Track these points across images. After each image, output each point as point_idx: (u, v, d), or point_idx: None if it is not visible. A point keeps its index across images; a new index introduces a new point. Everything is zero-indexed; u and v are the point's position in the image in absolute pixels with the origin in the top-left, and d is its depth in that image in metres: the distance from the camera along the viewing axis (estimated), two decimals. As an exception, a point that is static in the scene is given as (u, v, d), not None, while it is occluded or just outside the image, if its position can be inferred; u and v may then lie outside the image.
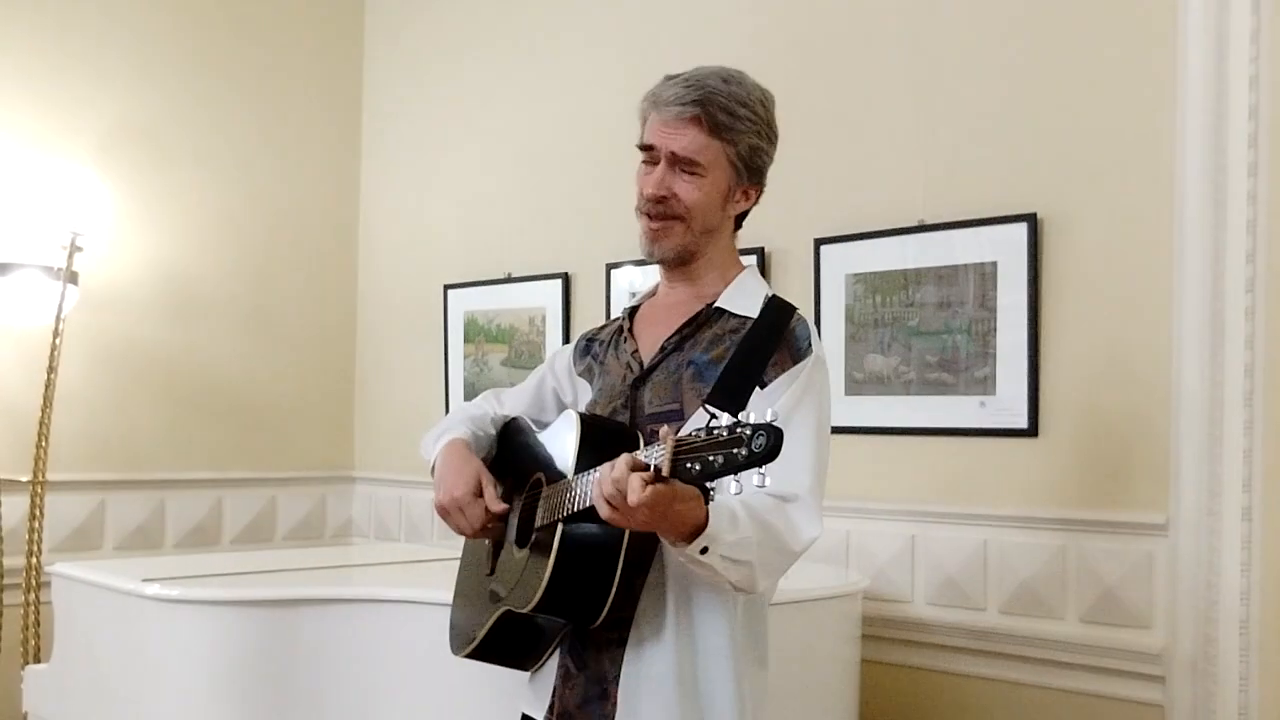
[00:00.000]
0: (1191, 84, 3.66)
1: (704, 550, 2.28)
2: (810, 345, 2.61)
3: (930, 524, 4.22)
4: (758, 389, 2.53)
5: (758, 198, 2.77)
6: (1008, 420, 4.03)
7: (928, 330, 4.20)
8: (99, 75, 5.69)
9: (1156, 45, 3.76)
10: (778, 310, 2.66)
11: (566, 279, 5.43)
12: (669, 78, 2.69)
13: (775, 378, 2.56)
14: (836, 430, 4.20)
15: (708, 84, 2.64)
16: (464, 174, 6.00)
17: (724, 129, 2.64)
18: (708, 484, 2.12)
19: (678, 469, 2.05)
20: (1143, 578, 3.75)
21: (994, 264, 4.06)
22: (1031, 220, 3.98)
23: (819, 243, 4.48)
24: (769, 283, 2.81)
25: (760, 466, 1.96)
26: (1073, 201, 3.93)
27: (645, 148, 2.71)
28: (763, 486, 1.99)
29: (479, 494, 2.73)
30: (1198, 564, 3.60)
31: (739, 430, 1.98)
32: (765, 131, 2.70)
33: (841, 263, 4.43)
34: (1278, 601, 3.52)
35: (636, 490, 2.10)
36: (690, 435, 2.05)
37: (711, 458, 2.00)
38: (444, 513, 2.75)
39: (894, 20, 4.38)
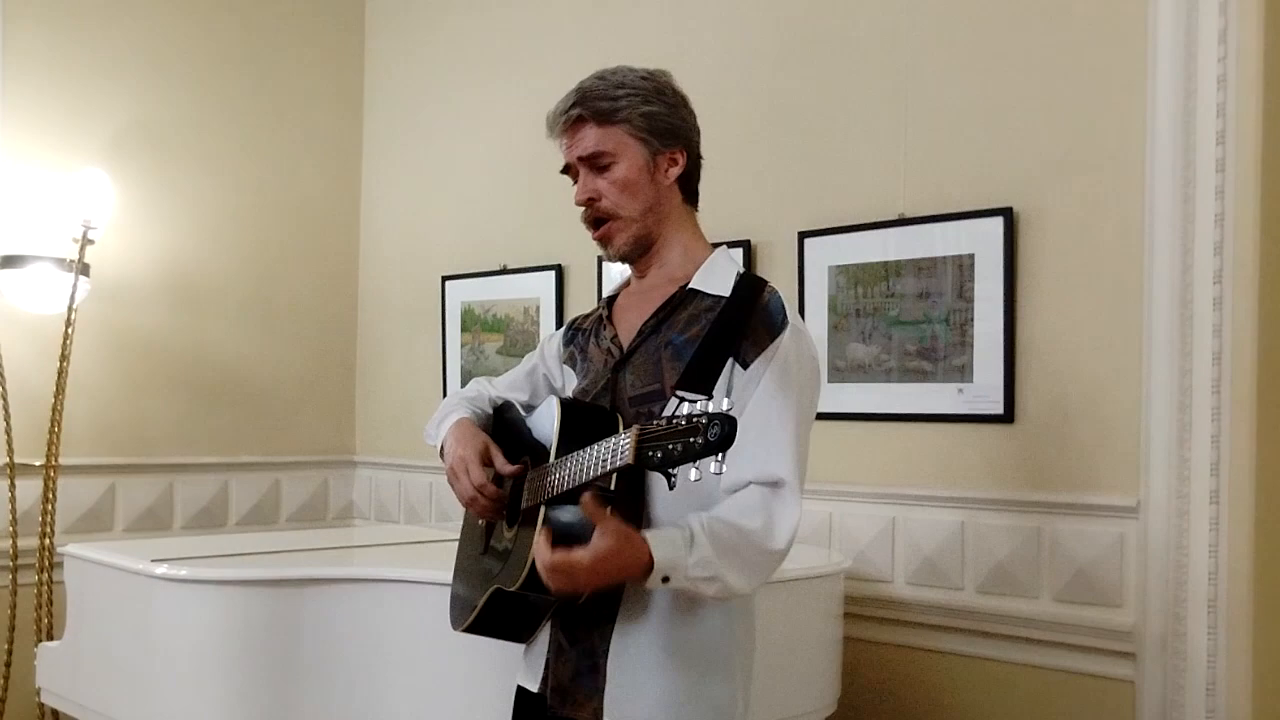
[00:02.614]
0: (1162, 83, 3.65)
1: (666, 579, 2.33)
2: (785, 318, 2.59)
3: (910, 506, 4.20)
4: (740, 369, 2.52)
5: (688, 159, 2.74)
6: (984, 407, 4.01)
7: (907, 320, 4.19)
8: (110, 77, 5.67)
9: (1128, 46, 3.75)
10: (749, 286, 2.63)
11: (560, 270, 5.42)
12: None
13: (755, 357, 2.54)
14: (821, 416, 4.23)
15: (583, 86, 2.70)
16: (461, 170, 5.98)
17: (610, 114, 2.65)
18: (670, 471, 2.12)
19: (641, 457, 2.08)
20: (1114, 558, 3.74)
21: (971, 256, 4.04)
22: (1007, 214, 3.96)
23: (803, 235, 4.46)
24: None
25: (716, 454, 2.00)
26: (1047, 196, 3.92)
27: (564, 170, 2.76)
28: (720, 474, 2.03)
29: (486, 460, 2.75)
30: (1167, 545, 3.59)
31: (696, 420, 2.00)
32: (655, 97, 2.68)
33: (824, 255, 4.41)
34: (1244, 581, 3.51)
35: (543, 556, 2.28)
36: (654, 425, 2.08)
37: (671, 446, 2.03)
38: (452, 475, 2.77)
39: (875, 23, 4.36)
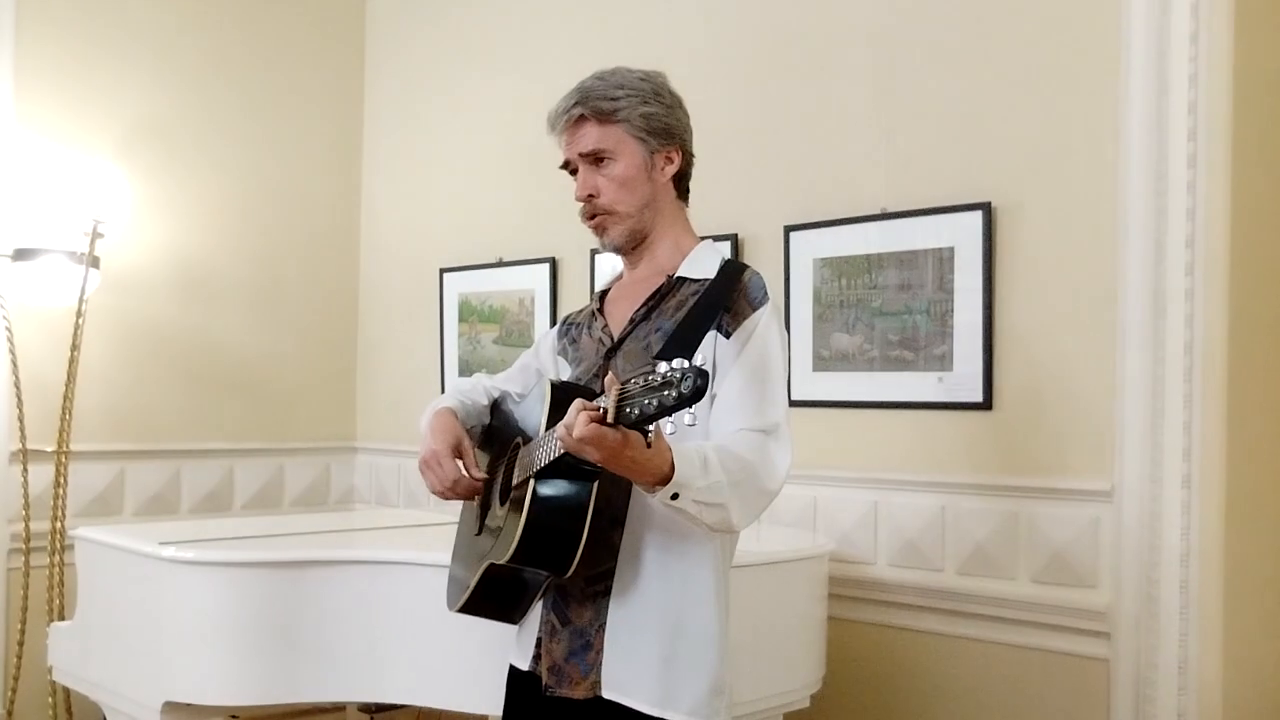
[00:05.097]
0: (1135, 82, 3.64)
1: (675, 496, 2.30)
2: (765, 294, 2.64)
3: (892, 491, 4.19)
4: (723, 339, 2.56)
5: (683, 158, 2.77)
6: (964, 394, 4.00)
7: (889, 311, 4.17)
8: (119, 76, 5.64)
9: (1102, 47, 3.74)
10: (732, 268, 2.68)
11: (554, 263, 5.40)
12: None
13: (737, 326, 2.58)
14: (805, 403, 4.26)
15: (584, 86, 2.71)
16: (458, 165, 5.96)
17: (610, 113, 2.68)
18: (646, 427, 2.11)
19: (621, 415, 2.07)
20: (1089, 541, 3.73)
21: (951, 249, 4.03)
22: (986, 209, 3.95)
23: (789, 229, 4.45)
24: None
25: (689, 407, 1.99)
26: (1024, 191, 3.90)
27: (564, 166, 2.77)
28: (693, 425, 2.02)
29: (456, 454, 2.78)
30: (1140, 528, 3.58)
31: (669, 374, 1.99)
32: (653, 98, 2.71)
33: (810, 248, 4.39)
34: (1215, 563, 3.51)
35: (581, 424, 2.13)
36: (630, 383, 2.07)
37: (647, 401, 2.02)
38: (423, 466, 2.81)
39: (858, 25, 4.34)
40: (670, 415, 2.01)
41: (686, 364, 1.99)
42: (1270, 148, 3.68)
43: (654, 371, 2.03)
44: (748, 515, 2.48)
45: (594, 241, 2.78)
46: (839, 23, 4.41)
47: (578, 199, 2.73)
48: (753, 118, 4.63)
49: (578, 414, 2.16)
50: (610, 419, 2.09)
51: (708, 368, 2.02)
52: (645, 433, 2.15)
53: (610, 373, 2.33)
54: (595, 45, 5.20)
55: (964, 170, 4.04)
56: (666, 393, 1.99)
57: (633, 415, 2.05)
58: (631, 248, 2.77)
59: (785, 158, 4.54)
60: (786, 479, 2.52)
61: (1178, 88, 3.56)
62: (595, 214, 2.72)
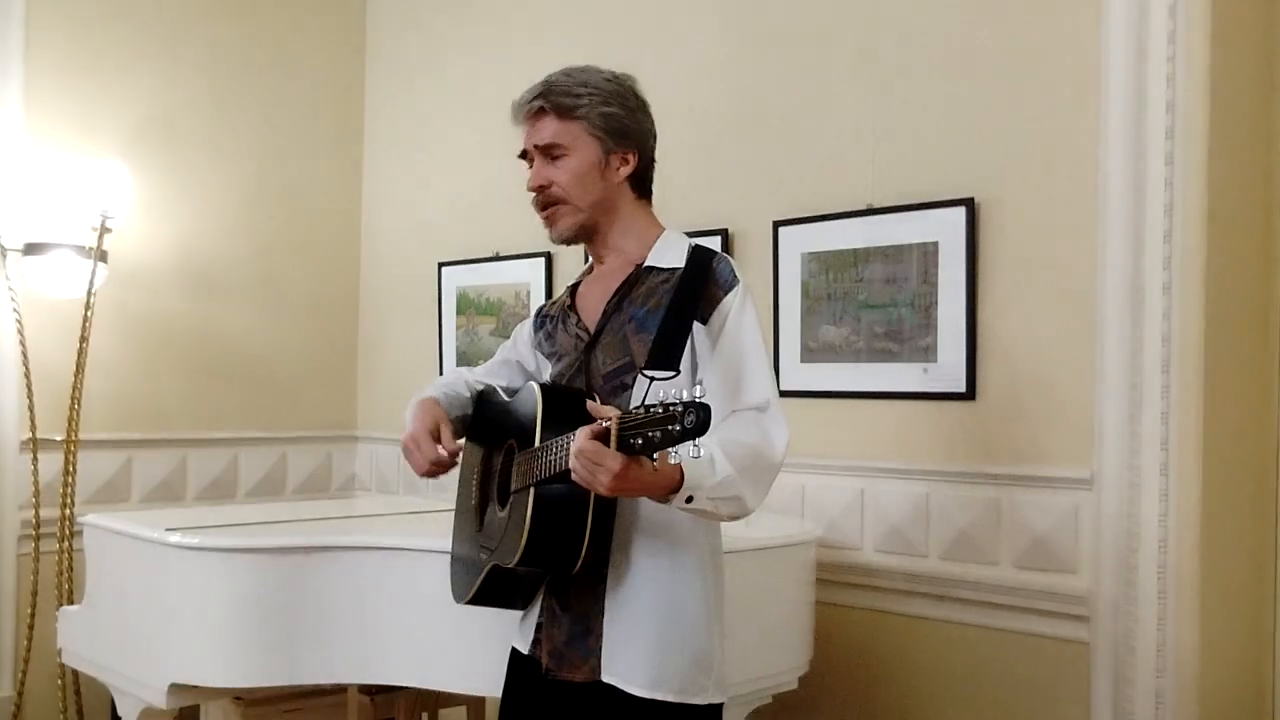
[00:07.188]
0: (1114, 81, 3.62)
1: (689, 499, 2.30)
2: (735, 276, 2.62)
3: (877, 479, 4.18)
4: (699, 324, 2.56)
5: (640, 160, 2.74)
6: (948, 385, 3.99)
7: (875, 304, 4.16)
8: (127, 74, 5.63)
9: (1082, 47, 3.72)
10: (700, 256, 2.65)
11: (548, 257, 5.39)
12: None
13: (712, 311, 2.57)
14: (792, 394, 4.25)
15: (549, 80, 2.70)
16: (456, 162, 5.94)
17: (570, 110, 2.66)
18: (651, 455, 2.12)
19: (623, 445, 2.07)
20: (1069, 527, 3.72)
21: (935, 244, 4.02)
22: (969, 204, 3.94)
23: (777, 224, 4.44)
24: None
25: (693, 440, 1.99)
26: (1007, 187, 3.89)
27: (521, 155, 2.76)
28: (698, 457, 2.03)
29: (435, 435, 2.74)
30: (1120, 515, 3.57)
31: (672, 409, 1.99)
32: (615, 99, 2.69)
33: (798, 243, 4.38)
34: (1191, 548, 3.49)
35: (616, 460, 2.14)
36: (632, 413, 2.06)
37: (651, 434, 2.02)
38: (405, 450, 2.78)
39: (845, 24, 4.33)
40: (675, 446, 2.01)
41: (684, 395, 1.99)
42: (1245, 146, 3.67)
43: (653, 404, 2.03)
44: (759, 496, 2.47)
45: (589, 237, 2.77)
46: (826, 22, 4.39)
47: (529, 189, 2.73)
48: (743, 116, 4.62)
49: (591, 446, 2.16)
50: (614, 446, 2.09)
51: (701, 365, 2.00)
52: (650, 459, 2.16)
53: (609, 404, 2.32)
54: (591, 42, 5.18)
55: (948, 167, 4.02)
56: (671, 427, 1.99)
57: (636, 445, 2.05)
58: (581, 241, 2.77)
59: (774, 155, 4.53)
60: (788, 450, 2.51)
61: (1156, 87, 3.55)
62: (546, 205, 2.71)
